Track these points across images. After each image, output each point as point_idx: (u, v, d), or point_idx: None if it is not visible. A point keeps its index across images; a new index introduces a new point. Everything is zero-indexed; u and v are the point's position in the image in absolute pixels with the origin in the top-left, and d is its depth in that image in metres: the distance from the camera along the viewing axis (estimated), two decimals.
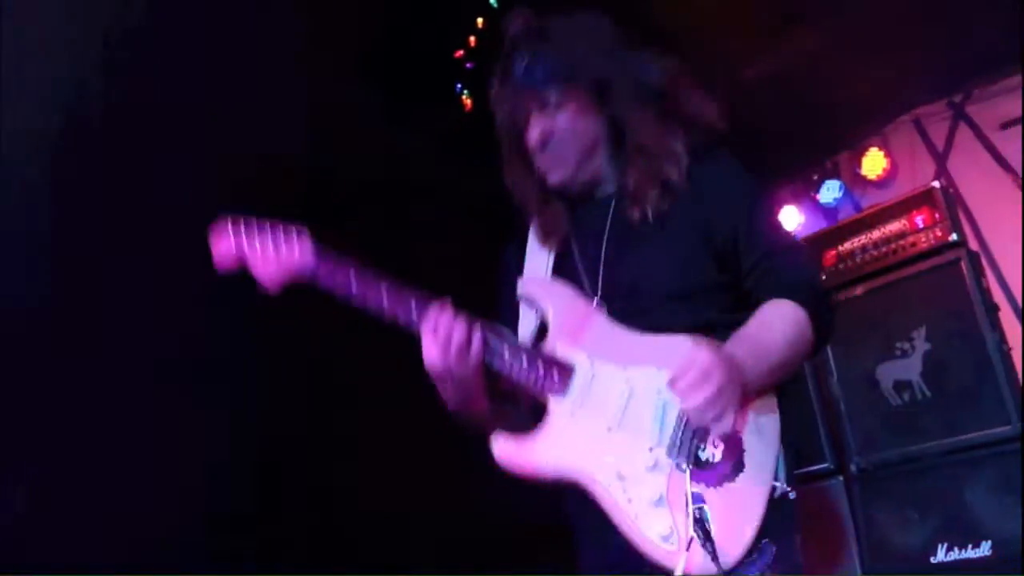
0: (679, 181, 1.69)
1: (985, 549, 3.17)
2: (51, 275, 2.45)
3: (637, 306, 1.64)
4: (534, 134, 1.70)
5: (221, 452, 2.71)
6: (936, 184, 3.71)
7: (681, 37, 2.76)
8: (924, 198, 3.67)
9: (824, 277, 3.86)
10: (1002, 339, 3.44)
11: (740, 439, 1.49)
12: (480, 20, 3.30)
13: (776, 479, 1.48)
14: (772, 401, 1.58)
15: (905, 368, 3.50)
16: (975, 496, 3.26)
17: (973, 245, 3.84)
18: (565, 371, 1.58)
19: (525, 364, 1.57)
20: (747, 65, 3.75)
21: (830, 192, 4.33)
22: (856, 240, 3.82)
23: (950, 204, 3.65)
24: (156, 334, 2.60)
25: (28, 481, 2.33)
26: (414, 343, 1.59)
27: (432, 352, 1.53)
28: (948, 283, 3.49)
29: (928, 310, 3.50)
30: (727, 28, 3.46)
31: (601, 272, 1.69)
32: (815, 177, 4.41)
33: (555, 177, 1.74)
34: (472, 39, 3.32)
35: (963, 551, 3.21)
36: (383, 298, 1.57)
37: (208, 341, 2.72)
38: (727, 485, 1.46)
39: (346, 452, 2.94)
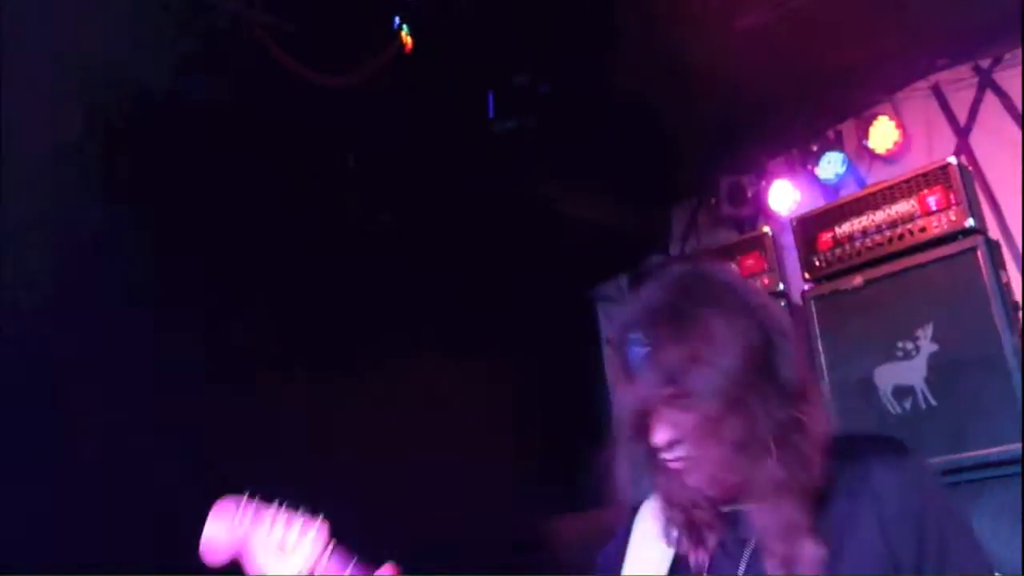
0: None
1: None
2: None
3: None
4: (660, 437, 1.40)
5: None
6: (953, 160, 3.36)
7: None
8: (939, 176, 3.35)
9: (817, 263, 3.57)
10: (1022, 342, 3.10)
11: None
12: None
13: None
14: None
15: (907, 372, 3.27)
16: (980, 522, 2.96)
17: (993, 234, 3.46)
18: None
19: None
20: (738, 15, 3.35)
21: (831, 166, 3.93)
22: (857, 221, 3.50)
23: (968, 184, 3.33)
24: None
25: None
26: None
27: None
28: (961, 275, 3.18)
29: (936, 306, 3.22)
30: None
31: None
32: (814, 148, 4.02)
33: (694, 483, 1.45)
34: None
35: None
36: None
37: None
38: None
39: None
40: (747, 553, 1.41)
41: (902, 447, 1.41)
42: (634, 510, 1.57)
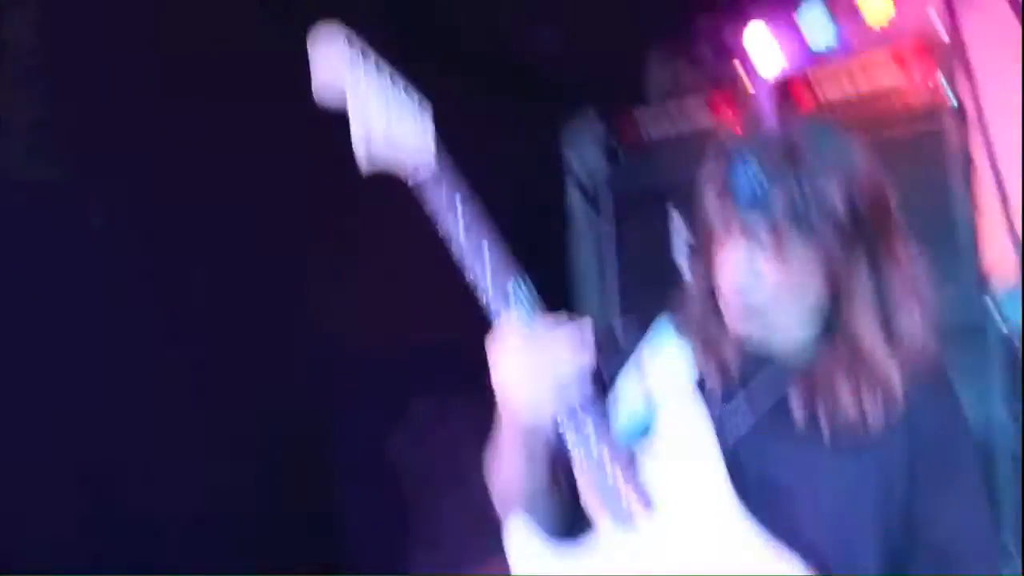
0: (888, 406, 1.24)
1: None
2: None
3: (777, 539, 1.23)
4: (734, 276, 1.26)
5: None
6: (940, 32, 3.30)
7: None
8: (921, 50, 3.29)
9: None
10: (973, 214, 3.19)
11: None
12: None
13: None
14: None
15: None
16: None
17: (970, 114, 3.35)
18: (647, 507, 1.24)
19: (616, 477, 1.22)
20: None
21: (820, 33, 3.77)
22: (839, 88, 3.43)
23: (953, 62, 3.25)
24: None
25: None
26: None
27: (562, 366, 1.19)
28: (929, 154, 3.17)
29: (902, 179, 3.12)
30: None
31: (748, 464, 1.28)
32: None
33: (743, 331, 1.31)
34: None
35: None
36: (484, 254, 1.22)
37: None
38: None
39: None
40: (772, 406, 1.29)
41: (948, 381, 1.32)
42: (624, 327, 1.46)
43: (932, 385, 1.28)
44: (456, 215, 1.22)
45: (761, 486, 1.25)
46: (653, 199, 3.63)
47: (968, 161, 3.19)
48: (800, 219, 1.19)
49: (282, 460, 2.80)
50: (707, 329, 1.33)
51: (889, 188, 1.32)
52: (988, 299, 3.15)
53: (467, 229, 1.22)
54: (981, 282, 3.25)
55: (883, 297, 1.26)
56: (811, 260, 1.23)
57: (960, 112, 3.23)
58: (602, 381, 1.34)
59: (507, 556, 1.27)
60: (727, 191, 1.23)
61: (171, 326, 2.58)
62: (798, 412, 1.26)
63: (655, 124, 3.72)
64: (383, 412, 3.06)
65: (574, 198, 4.41)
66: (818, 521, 1.23)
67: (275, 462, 2.78)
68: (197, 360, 2.59)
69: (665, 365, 1.34)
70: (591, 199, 4.16)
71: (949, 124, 3.20)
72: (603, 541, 1.25)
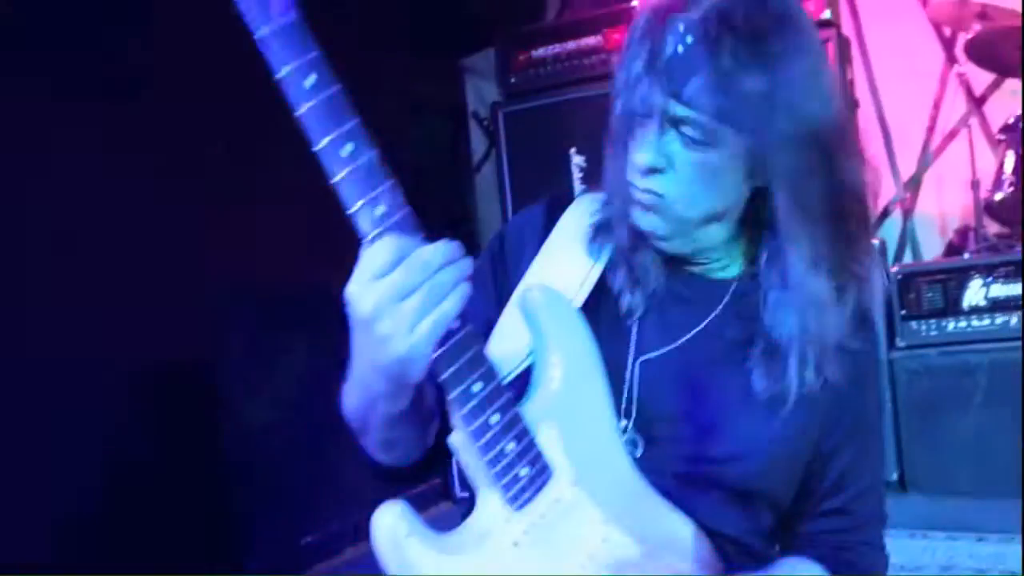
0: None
1: None
2: None
3: (683, 470, 1.15)
4: (644, 157, 1.09)
5: None
6: None
7: None
8: None
9: None
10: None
11: None
12: None
13: None
14: None
15: None
16: None
17: (846, 30, 3.55)
18: (540, 472, 1.05)
19: (497, 424, 1.00)
20: None
21: None
22: None
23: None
24: None
25: None
26: None
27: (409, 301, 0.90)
28: None
29: None
30: None
31: (656, 388, 1.16)
32: None
33: (645, 224, 1.15)
34: None
35: None
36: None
37: None
38: None
39: None
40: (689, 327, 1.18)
41: (871, 317, 1.22)
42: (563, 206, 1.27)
43: (859, 323, 1.18)
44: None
45: (669, 420, 1.16)
46: (544, 118, 3.63)
47: (844, 79, 3.26)
48: (728, 107, 1.03)
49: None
50: (623, 239, 1.18)
51: (837, 93, 1.12)
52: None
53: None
54: None
55: (818, 223, 1.10)
56: (733, 160, 1.07)
57: (834, 23, 3.29)
58: (486, 326, 1.18)
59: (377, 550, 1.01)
60: (652, 64, 1.05)
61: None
62: (717, 345, 1.17)
63: (545, 44, 3.70)
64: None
65: (474, 129, 4.40)
66: (728, 458, 1.15)
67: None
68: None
69: (561, 285, 1.17)
70: (487, 128, 4.15)
71: (823, 36, 3.24)
72: (489, 521, 1.05)
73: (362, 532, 1.04)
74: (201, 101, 2.75)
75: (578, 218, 1.24)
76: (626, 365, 1.17)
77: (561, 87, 3.54)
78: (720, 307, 1.19)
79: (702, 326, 1.18)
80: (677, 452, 1.15)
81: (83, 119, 2.49)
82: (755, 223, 1.16)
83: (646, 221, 1.13)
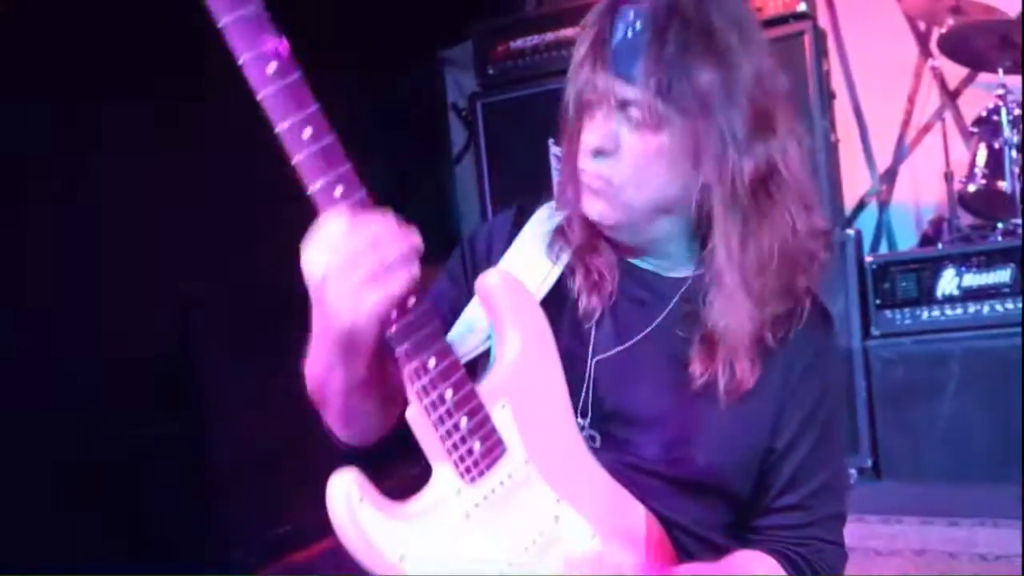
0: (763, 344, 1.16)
1: None
2: None
3: (636, 464, 1.17)
4: (592, 139, 1.12)
5: None
6: None
7: None
8: None
9: None
10: (831, 128, 3.30)
11: None
12: None
13: None
14: None
15: None
16: None
17: (822, 22, 3.56)
18: (493, 448, 1.07)
19: (451, 399, 1.02)
20: None
21: None
22: None
23: None
24: None
25: None
26: None
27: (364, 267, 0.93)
28: (785, 58, 3.21)
29: None
30: None
31: (611, 387, 1.19)
32: None
33: (593, 211, 1.17)
34: None
35: None
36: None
37: None
38: None
39: None
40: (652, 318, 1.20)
41: (828, 312, 1.24)
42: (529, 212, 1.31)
43: (815, 318, 1.20)
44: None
45: (621, 417, 1.18)
46: (523, 109, 3.63)
47: (820, 67, 3.28)
48: (673, 90, 1.05)
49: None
50: (579, 239, 1.20)
51: (783, 84, 1.14)
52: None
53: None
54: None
55: (753, 219, 1.12)
56: (679, 147, 1.09)
57: (810, 15, 3.30)
58: (446, 312, 1.19)
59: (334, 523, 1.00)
60: (602, 49, 1.09)
61: None
62: (666, 343, 1.19)
63: (524, 35, 3.71)
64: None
65: (453, 121, 4.41)
66: (680, 454, 1.16)
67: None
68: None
69: (523, 275, 1.19)
70: (466, 119, 4.15)
71: (799, 28, 3.27)
72: (442, 493, 1.05)
73: None
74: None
75: (540, 224, 1.26)
76: (585, 365, 1.19)
77: (540, 78, 3.54)
78: (670, 306, 1.21)
79: (653, 325, 1.20)
80: (630, 448, 1.17)
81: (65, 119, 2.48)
82: (709, 224, 1.16)
83: (595, 208, 1.15)
